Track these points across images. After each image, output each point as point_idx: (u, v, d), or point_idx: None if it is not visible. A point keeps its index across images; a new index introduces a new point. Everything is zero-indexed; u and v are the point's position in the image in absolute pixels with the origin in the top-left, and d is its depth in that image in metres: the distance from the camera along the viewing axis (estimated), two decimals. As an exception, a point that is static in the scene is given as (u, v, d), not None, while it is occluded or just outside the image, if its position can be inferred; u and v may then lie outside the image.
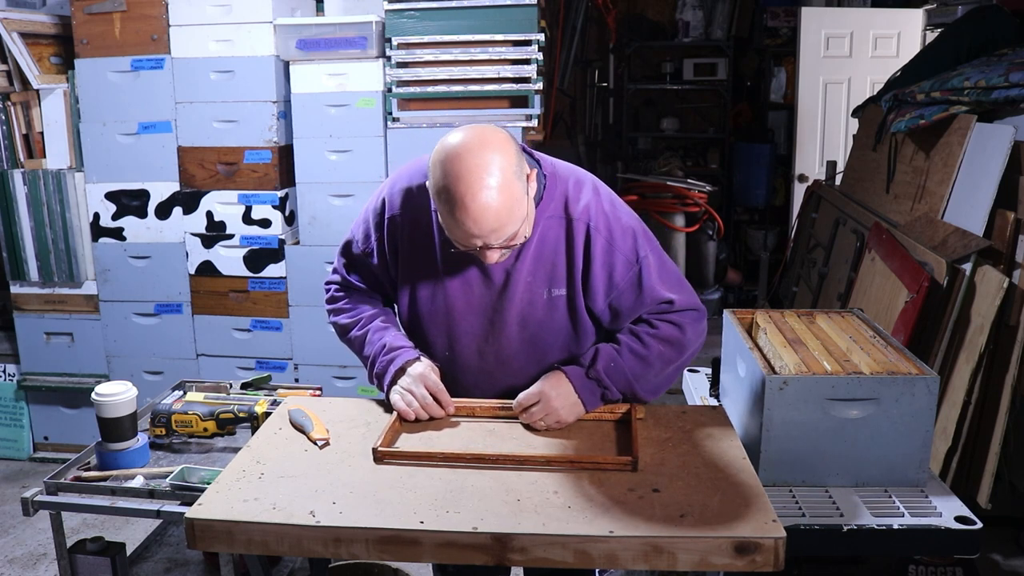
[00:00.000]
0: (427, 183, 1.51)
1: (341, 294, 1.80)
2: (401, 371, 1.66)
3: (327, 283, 1.84)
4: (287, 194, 3.31)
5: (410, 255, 1.68)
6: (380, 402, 1.74)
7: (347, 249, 1.77)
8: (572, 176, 1.66)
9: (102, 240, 3.40)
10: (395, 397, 1.64)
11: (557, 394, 1.60)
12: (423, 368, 1.65)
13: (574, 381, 1.61)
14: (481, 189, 1.41)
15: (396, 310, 1.80)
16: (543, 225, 1.61)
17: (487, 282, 1.64)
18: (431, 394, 1.63)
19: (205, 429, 1.89)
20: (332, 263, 1.83)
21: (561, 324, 1.66)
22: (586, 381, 1.61)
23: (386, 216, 1.68)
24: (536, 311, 1.64)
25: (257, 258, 3.31)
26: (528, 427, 1.62)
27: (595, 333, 1.70)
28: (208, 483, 1.52)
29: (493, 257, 1.51)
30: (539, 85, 3.09)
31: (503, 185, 1.43)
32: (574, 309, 1.65)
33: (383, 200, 1.69)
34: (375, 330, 1.72)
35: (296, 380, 3.35)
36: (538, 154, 1.67)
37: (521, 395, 1.62)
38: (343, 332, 1.78)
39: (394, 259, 1.70)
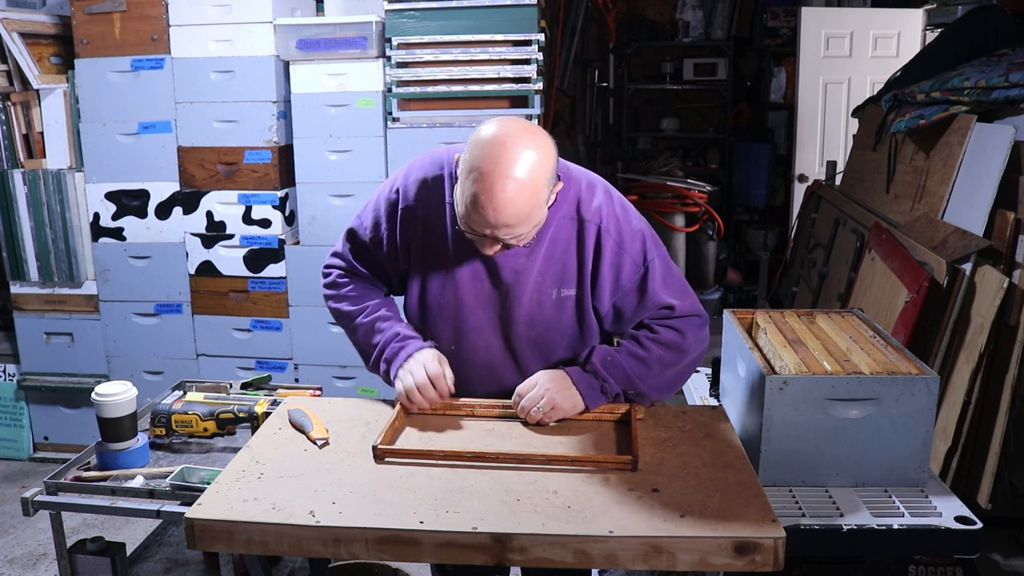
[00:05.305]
0: (457, 157, 1.52)
1: (345, 280, 1.78)
2: (411, 357, 1.66)
3: (328, 267, 1.81)
4: (287, 194, 3.31)
5: (422, 247, 1.68)
6: (380, 402, 1.74)
7: (353, 235, 1.76)
8: (584, 178, 1.68)
9: (102, 240, 3.40)
10: (398, 381, 1.65)
11: (555, 384, 1.62)
12: (429, 353, 1.65)
13: (572, 375, 1.64)
14: (511, 181, 1.42)
15: (404, 300, 1.79)
16: (555, 226, 1.62)
17: (497, 279, 1.65)
18: (430, 378, 1.63)
19: (205, 429, 1.89)
20: (333, 247, 1.82)
21: (568, 324, 1.68)
22: (583, 374, 1.63)
23: (400, 206, 1.68)
24: (544, 311, 1.66)
25: (257, 258, 3.31)
26: (528, 426, 1.62)
27: (600, 335, 1.71)
28: (208, 483, 1.52)
29: (492, 249, 1.53)
30: (539, 85, 3.09)
31: (533, 186, 1.45)
32: (582, 310, 1.67)
33: (397, 190, 1.69)
34: (383, 319, 1.72)
35: (296, 380, 3.35)
36: None
37: (520, 385, 1.64)
38: (347, 318, 1.76)
39: (406, 250, 1.70)
